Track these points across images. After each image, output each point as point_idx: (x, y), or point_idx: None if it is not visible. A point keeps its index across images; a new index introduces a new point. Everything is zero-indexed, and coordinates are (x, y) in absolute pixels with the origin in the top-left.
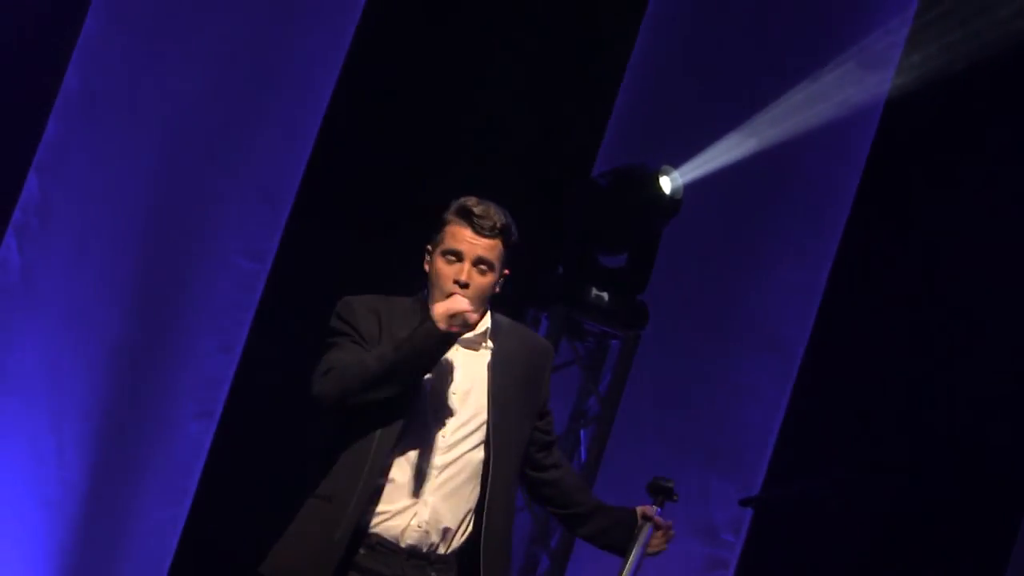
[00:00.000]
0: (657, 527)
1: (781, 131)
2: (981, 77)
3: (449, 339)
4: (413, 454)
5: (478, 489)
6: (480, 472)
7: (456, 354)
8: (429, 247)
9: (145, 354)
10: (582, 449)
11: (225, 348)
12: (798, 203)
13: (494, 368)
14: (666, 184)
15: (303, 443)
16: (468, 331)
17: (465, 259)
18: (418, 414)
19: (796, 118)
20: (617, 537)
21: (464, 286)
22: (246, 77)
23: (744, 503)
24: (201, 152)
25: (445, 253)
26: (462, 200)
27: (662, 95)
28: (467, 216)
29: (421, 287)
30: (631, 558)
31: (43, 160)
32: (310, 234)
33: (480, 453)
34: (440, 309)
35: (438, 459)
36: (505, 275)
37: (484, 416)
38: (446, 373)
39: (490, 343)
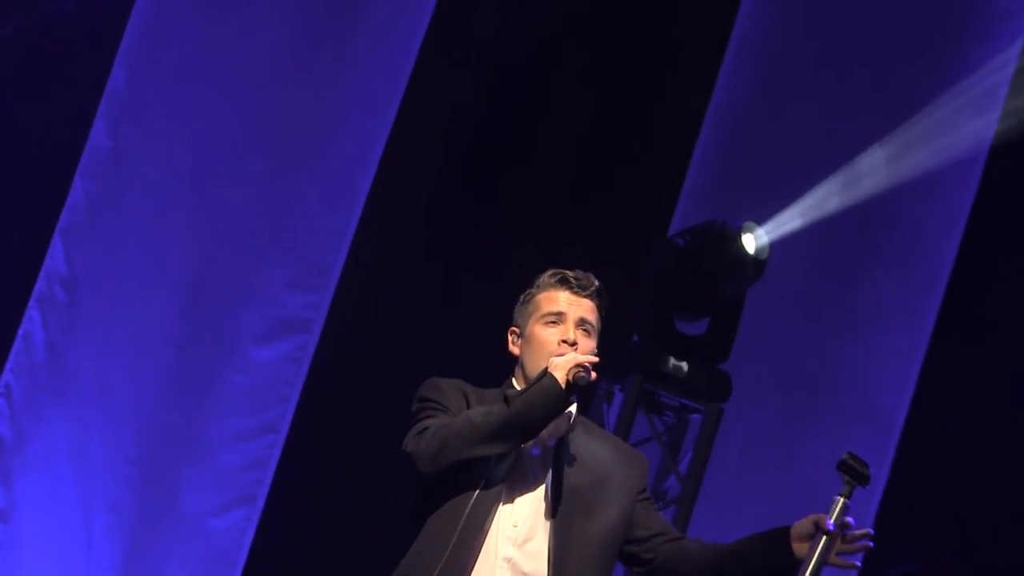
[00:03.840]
0: (833, 535)
1: (875, 181)
2: None
3: (566, 396)
4: (484, 546)
5: None
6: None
7: (535, 440)
8: (515, 328)
9: (181, 436)
10: None
11: (268, 428)
12: (895, 259)
13: (563, 458)
14: (750, 243)
15: (349, 537)
16: (587, 384)
17: (567, 320)
18: (493, 502)
19: (891, 167)
20: (768, 561)
21: (572, 345)
22: (294, 129)
23: None
24: (242, 215)
25: (543, 318)
26: (547, 272)
27: (742, 146)
28: (563, 280)
29: (505, 376)
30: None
31: (68, 224)
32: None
33: (545, 550)
34: (559, 360)
35: (506, 551)
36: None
37: (549, 512)
38: (525, 459)
39: (568, 434)
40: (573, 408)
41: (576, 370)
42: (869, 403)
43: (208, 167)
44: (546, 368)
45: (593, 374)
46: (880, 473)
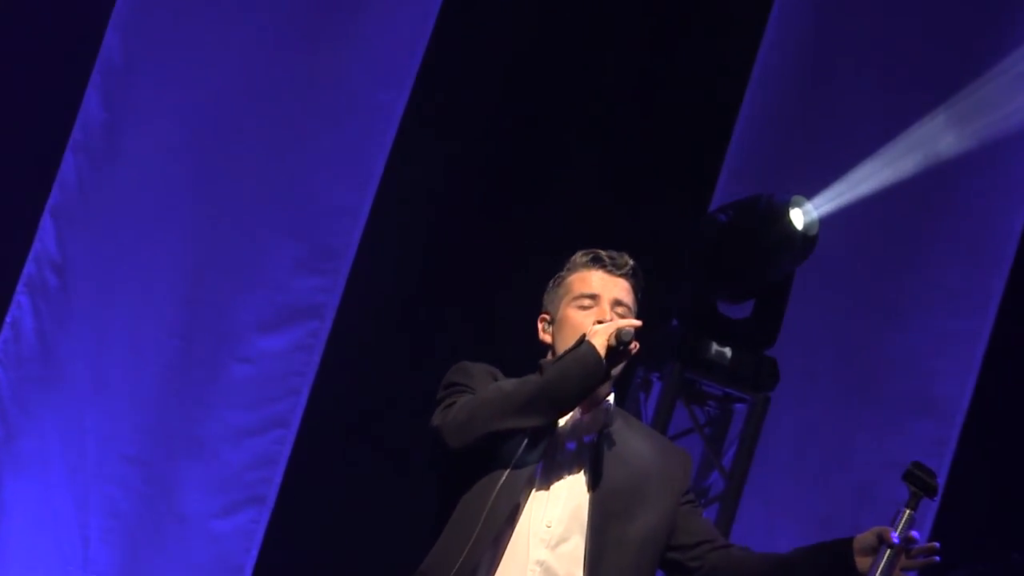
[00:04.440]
0: (898, 549)
1: (933, 153)
2: None
3: (606, 366)
4: (512, 546)
5: None
6: None
7: (570, 433)
8: (545, 314)
9: (182, 432)
10: None
11: (277, 423)
12: (954, 238)
13: (602, 455)
14: (798, 218)
15: (367, 539)
16: (626, 358)
17: (602, 301)
18: (520, 500)
19: (950, 137)
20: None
21: None
22: (301, 102)
23: None
24: (247, 194)
25: (576, 301)
26: (578, 253)
27: (789, 114)
28: (596, 259)
29: (533, 367)
30: None
31: (59, 203)
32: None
33: (581, 554)
34: (597, 327)
35: (538, 553)
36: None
37: (586, 514)
38: (559, 454)
39: (606, 428)
40: (611, 398)
41: (614, 338)
42: (928, 394)
43: (209, 143)
44: (583, 336)
45: (635, 344)
46: (940, 468)
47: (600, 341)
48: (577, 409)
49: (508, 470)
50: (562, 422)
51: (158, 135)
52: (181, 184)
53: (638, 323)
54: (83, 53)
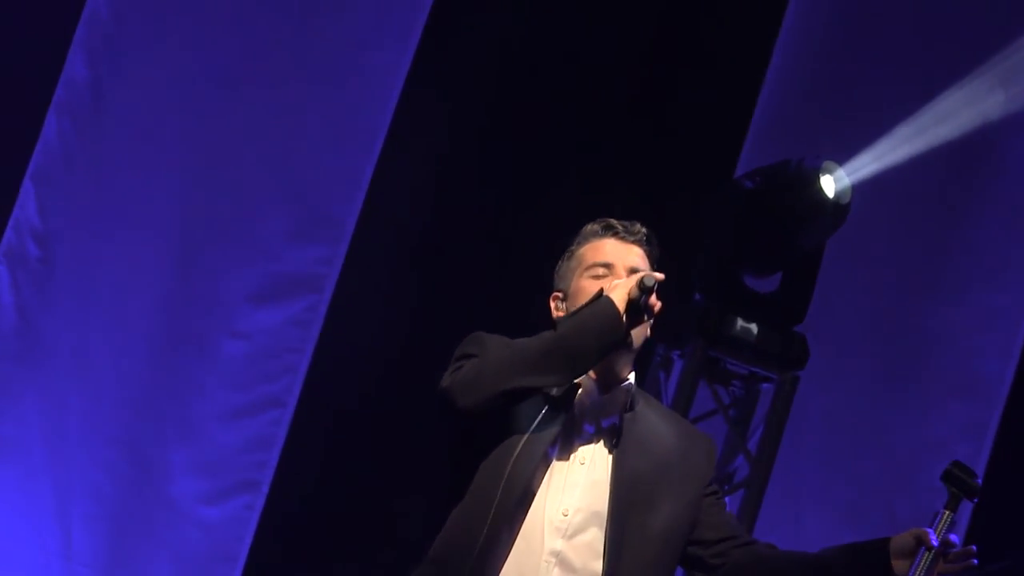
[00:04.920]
0: (938, 552)
1: (973, 116)
2: None
3: (623, 324)
4: (526, 535)
5: None
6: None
7: (588, 415)
8: (558, 292)
9: (171, 413)
10: None
11: (272, 403)
12: (997, 207)
13: (624, 440)
14: (829, 185)
15: (368, 526)
16: (648, 315)
17: (617, 269)
18: (534, 483)
19: (993, 100)
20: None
21: None
22: (299, 60)
23: None
24: (240, 158)
25: (588, 271)
26: (589, 224)
27: (820, 74)
28: (608, 227)
29: None
30: None
31: (41, 168)
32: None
33: (599, 546)
34: (616, 282)
35: (553, 543)
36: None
37: (605, 502)
38: (576, 437)
39: (628, 411)
40: (631, 378)
41: (638, 283)
42: (968, 373)
43: (201, 103)
44: (601, 290)
45: (657, 303)
46: (980, 452)
47: (620, 295)
48: (596, 389)
49: (525, 437)
50: (580, 401)
51: (146, 95)
52: (170, 147)
53: (660, 276)
54: (67, 6)
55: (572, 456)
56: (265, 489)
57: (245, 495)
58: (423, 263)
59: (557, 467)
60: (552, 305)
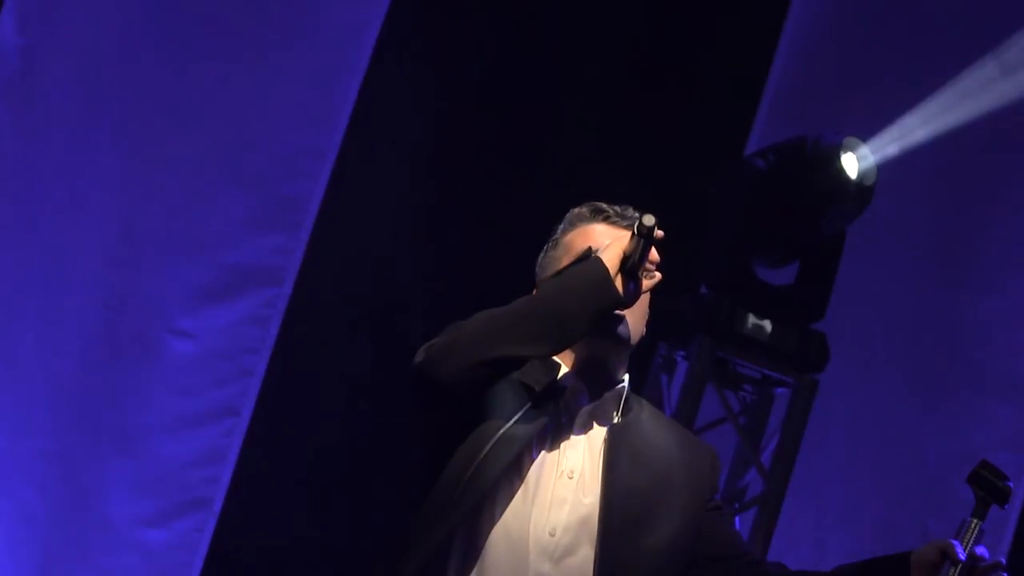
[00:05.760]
0: (966, 566)
1: (1011, 86)
2: None
3: (614, 288)
4: (509, 557)
5: None
6: None
7: (577, 422)
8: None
9: (110, 423)
10: None
11: (225, 411)
12: None
13: (617, 450)
14: (852, 164)
15: (329, 548)
16: (643, 270)
17: None
18: (516, 499)
19: None
20: None
21: None
22: (257, 24)
23: None
24: (187, 135)
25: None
26: (575, 208)
27: (840, 39)
28: (597, 210)
29: None
30: None
31: None
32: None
33: (590, 568)
34: (608, 243)
35: (540, 566)
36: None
37: (596, 520)
38: (564, 446)
39: (621, 417)
40: (625, 380)
41: (637, 225)
42: (1009, 373)
43: (144, 73)
44: (589, 248)
45: (656, 261)
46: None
47: (611, 254)
48: (584, 392)
49: (498, 434)
50: (566, 405)
51: (84, 64)
52: (110, 125)
53: (661, 234)
54: None
55: (558, 468)
56: (216, 509)
57: (193, 516)
58: (395, 253)
59: (542, 481)
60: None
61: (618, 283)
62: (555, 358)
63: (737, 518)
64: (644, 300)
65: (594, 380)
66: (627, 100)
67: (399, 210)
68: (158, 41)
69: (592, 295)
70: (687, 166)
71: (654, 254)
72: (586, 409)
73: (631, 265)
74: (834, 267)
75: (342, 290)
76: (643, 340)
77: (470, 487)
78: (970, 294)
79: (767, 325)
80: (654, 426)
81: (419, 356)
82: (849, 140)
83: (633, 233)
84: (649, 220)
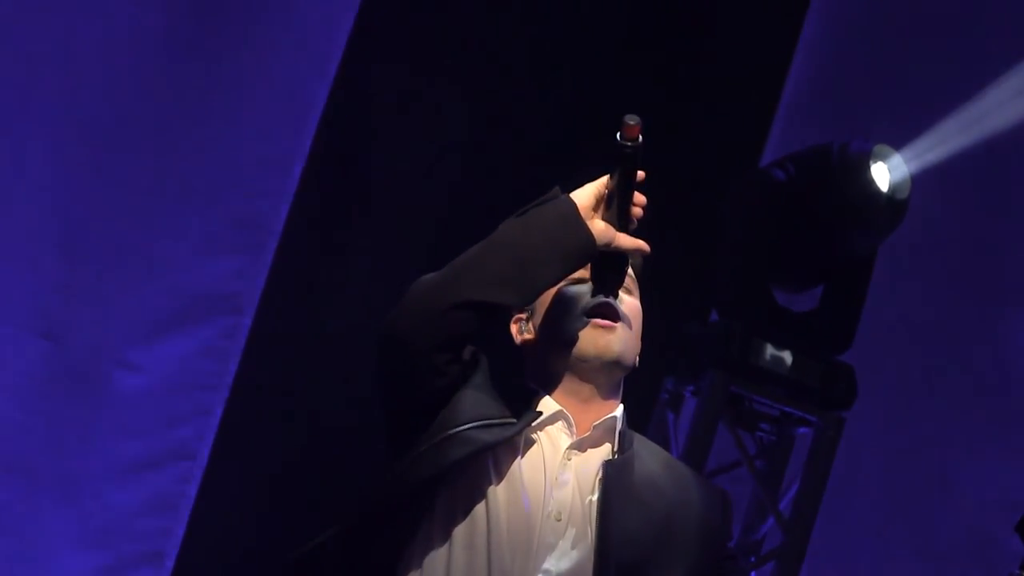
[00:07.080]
0: None
1: None
2: None
3: (584, 225)
4: None
5: None
6: None
7: (567, 459)
8: (521, 313)
9: (49, 467)
10: None
11: (179, 454)
12: None
13: (612, 491)
14: (883, 175)
15: None
16: (631, 198)
17: None
18: (502, 541)
19: None
20: None
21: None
22: (215, 17)
23: None
24: (134, 146)
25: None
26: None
27: (865, 39)
28: None
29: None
30: None
31: None
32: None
33: None
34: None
35: None
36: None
37: (589, 570)
38: (553, 488)
39: (617, 454)
40: (619, 412)
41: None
42: None
43: (86, 76)
44: (557, 188)
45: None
46: None
47: (583, 193)
48: (571, 423)
49: (473, 424)
50: (557, 441)
51: (19, 70)
52: (48, 132)
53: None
54: None
55: (543, 510)
56: (170, 564)
57: (144, 570)
58: (367, 275)
59: (528, 523)
60: (514, 329)
61: (594, 225)
62: (537, 387)
63: (753, 573)
64: (637, 310)
65: (581, 409)
66: (627, 101)
67: (377, 221)
68: (101, 38)
69: (560, 232)
70: (696, 177)
71: (640, 197)
72: (574, 443)
73: (611, 200)
74: (863, 291)
75: (308, 319)
76: (641, 368)
77: (453, 442)
78: (1017, 318)
79: (787, 356)
80: (655, 464)
81: (380, 331)
82: (880, 148)
83: (621, 129)
84: (632, 119)
